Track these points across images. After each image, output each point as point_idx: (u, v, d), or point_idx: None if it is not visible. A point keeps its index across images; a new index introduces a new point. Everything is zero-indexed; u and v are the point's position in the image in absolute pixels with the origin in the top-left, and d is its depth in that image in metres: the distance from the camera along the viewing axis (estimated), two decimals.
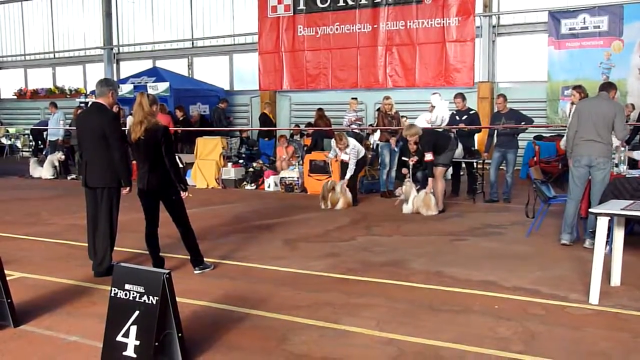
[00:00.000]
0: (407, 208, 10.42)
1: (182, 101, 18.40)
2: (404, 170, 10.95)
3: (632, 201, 6.20)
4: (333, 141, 11.82)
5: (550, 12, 16.46)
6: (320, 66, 19.17)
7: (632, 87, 15.58)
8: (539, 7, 16.88)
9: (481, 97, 17.49)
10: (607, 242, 5.73)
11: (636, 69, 15.52)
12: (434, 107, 13.73)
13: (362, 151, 11.69)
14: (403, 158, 10.83)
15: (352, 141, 11.67)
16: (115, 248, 6.97)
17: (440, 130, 12.25)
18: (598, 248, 5.50)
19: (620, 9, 15.55)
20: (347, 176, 11.32)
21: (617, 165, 8.10)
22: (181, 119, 17.23)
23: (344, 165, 11.54)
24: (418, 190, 10.49)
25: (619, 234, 5.99)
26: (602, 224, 5.52)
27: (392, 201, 11.55)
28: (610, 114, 7.40)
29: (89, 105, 7.15)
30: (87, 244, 7.12)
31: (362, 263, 7.08)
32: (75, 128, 15.53)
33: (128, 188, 6.65)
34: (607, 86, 7.81)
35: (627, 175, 7.74)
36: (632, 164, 9.32)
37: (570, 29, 16.22)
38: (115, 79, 23.74)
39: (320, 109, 17.35)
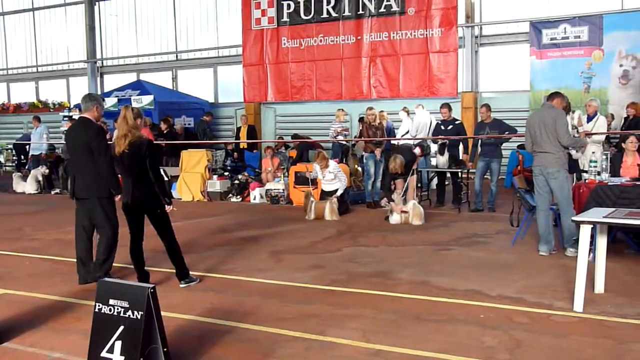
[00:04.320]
0: (394, 219, 10.44)
1: (166, 114, 18.35)
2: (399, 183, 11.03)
3: (614, 209, 6.27)
4: (315, 164, 11.89)
5: (532, 22, 16.64)
6: (304, 78, 19.22)
7: (612, 96, 15.76)
8: (521, 17, 17.07)
9: (465, 107, 17.59)
10: (590, 249, 5.78)
11: (616, 78, 15.70)
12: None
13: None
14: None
15: (332, 162, 11.95)
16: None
17: (408, 144, 12.59)
18: (581, 256, 5.54)
19: (599, 19, 15.74)
20: (340, 191, 11.50)
21: (599, 173, 8.18)
22: (165, 132, 17.16)
23: (324, 193, 11.59)
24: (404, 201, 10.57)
25: (602, 242, 6.03)
26: (584, 232, 5.56)
27: (378, 212, 11.59)
28: (552, 122, 7.51)
29: (76, 120, 7.26)
30: (70, 259, 7.10)
31: (348, 274, 7.07)
32: (61, 142, 15.71)
33: (119, 195, 6.69)
34: (551, 96, 7.93)
35: (608, 183, 7.82)
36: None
37: (551, 39, 16.40)
38: (99, 92, 23.68)
39: (295, 134, 17.57)
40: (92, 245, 6.95)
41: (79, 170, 6.84)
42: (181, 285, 6.61)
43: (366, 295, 6.22)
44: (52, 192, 16.21)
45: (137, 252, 6.52)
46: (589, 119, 11.38)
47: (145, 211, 6.44)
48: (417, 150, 11.31)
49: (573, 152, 10.18)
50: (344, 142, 15.57)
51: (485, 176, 11.68)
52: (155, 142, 8.52)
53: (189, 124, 20.10)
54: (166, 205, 6.44)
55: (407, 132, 14.04)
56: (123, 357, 4.07)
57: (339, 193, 11.43)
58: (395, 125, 15.88)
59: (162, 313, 4.20)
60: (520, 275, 6.85)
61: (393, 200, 10.51)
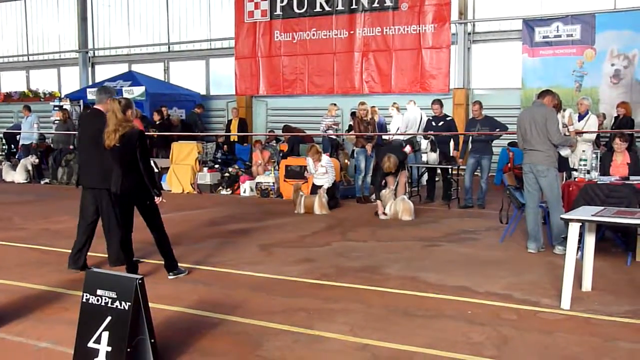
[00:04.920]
0: (384, 214, 10.45)
1: (158, 106, 18.29)
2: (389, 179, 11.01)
3: (603, 207, 6.30)
4: (309, 158, 11.85)
5: (525, 20, 16.65)
6: (296, 71, 19.19)
7: (604, 95, 15.80)
8: (514, 15, 17.06)
9: (456, 103, 17.61)
10: (578, 247, 5.80)
11: (608, 77, 15.74)
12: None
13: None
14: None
15: (324, 157, 11.92)
16: (88, 253, 6.98)
17: (398, 140, 12.70)
18: (569, 254, 5.56)
19: (592, 18, 15.78)
20: (326, 185, 11.43)
21: (588, 172, 8.21)
22: (158, 122, 17.10)
23: (316, 188, 11.57)
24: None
25: (590, 240, 6.05)
26: (573, 230, 5.58)
27: (368, 207, 11.60)
28: (542, 121, 7.54)
29: (89, 111, 7.45)
30: (58, 249, 7.12)
31: (337, 268, 7.08)
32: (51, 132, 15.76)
33: None
34: (542, 94, 7.95)
35: (598, 182, 7.85)
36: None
37: (544, 37, 16.43)
38: (90, 82, 23.60)
39: (286, 126, 17.45)
40: (93, 234, 7.02)
41: (87, 160, 6.93)
42: (170, 277, 6.59)
43: (355, 289, 6.23)
44: (42, 182, 16.14)
45: (126, 243, 6.49)
46: (580, 117, 11.42)
47: (135, 202, 6.42)
48: (407, 149, 11.34)
49: (562, 150, 10.21)
50: (334, 137, 15.58)
51: (476, 173, 11.70)
52: (146, 133, 8.51)
53: (181, 116, 20.02)
54: (155, 197, 6.42)
55: (398, 129, 14.07)
56: (110, 348, 4.06)
57: (325, 187, 11.39)
58: (387, 121, 15.90)
59: (150, 304, 4.19)
60: (508, 272, 6.87)
61: (380, 199, 10.52)
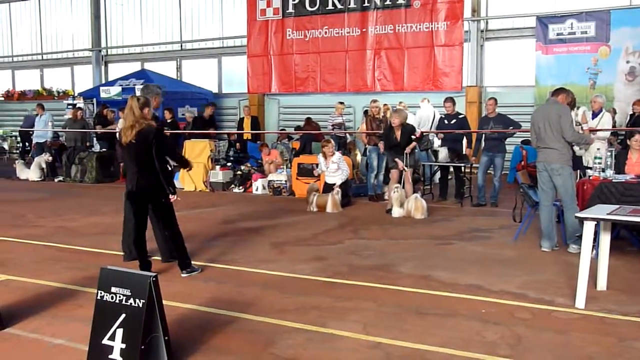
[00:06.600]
0: (397, 212, 10.43)
1: (170, 104, 18.34)
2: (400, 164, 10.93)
3: (618, 206, 6.25)
4: (320, 156, 11.82)
5: (538, 17, 16.57)
6: (309, 69, 19.18)
7: (618, 92, 15.69)
8: (527, 12, 16.99)
9: (469, 101, 17.54)
10: (593, 246, 5.76)
11: (623, 75, 15.63)
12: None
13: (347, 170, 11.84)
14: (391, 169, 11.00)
15: (336, 153, 11.90)
16: (101, 250, 7.02)
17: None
18: (584, 253, 5.52)
19: (607, 14, 15.67)
20: (339, 182, 11.41)
21: (603, 170, 8.15)
22: (169, 121, 17.14)
23: (328, 186, 11.55)
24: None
25: (605, 239, 6.00)
26: (588, 228, 5.54)
27: (380, 205, 11.58)
28: (556, 118, 7.50)
29: None
30: (73, 246, 7.15)
31: (350, 266, 7.07)
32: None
33: None
34: (556, 91, 7.91)
35: (613, 180, 7.79)
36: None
37: (557, 34, 16.34)
38: (102, 81, 23.74)
39: (308, 118, 17.36)
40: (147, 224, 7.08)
41: None
42: (183, 275, 6.61)
43: (367, 288, 6.22)
44: (56, 180, 16.24)
45: (140, 240, 6.52)
46: (594, 115, 11.35)
47: (150, 199, 6.44)
48: (417, 132, 11.28)
49: (576, 148, 10.15)
50: (341, 135, 15.55)
51: (489, 171, 11.65)
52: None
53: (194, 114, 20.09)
54: (170, 195, 6.43)
55: None
56: (124, 345, 4.08)
57: (338, 184, 11.38)
58: None
59: (164, 302, 4.21)
60: (522, 271, 6.84)
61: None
